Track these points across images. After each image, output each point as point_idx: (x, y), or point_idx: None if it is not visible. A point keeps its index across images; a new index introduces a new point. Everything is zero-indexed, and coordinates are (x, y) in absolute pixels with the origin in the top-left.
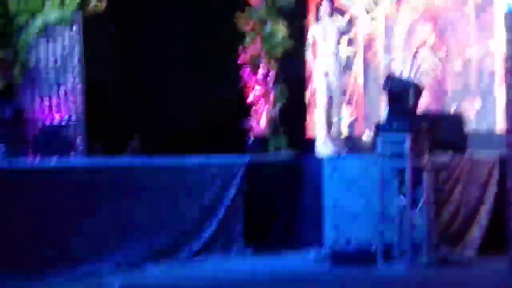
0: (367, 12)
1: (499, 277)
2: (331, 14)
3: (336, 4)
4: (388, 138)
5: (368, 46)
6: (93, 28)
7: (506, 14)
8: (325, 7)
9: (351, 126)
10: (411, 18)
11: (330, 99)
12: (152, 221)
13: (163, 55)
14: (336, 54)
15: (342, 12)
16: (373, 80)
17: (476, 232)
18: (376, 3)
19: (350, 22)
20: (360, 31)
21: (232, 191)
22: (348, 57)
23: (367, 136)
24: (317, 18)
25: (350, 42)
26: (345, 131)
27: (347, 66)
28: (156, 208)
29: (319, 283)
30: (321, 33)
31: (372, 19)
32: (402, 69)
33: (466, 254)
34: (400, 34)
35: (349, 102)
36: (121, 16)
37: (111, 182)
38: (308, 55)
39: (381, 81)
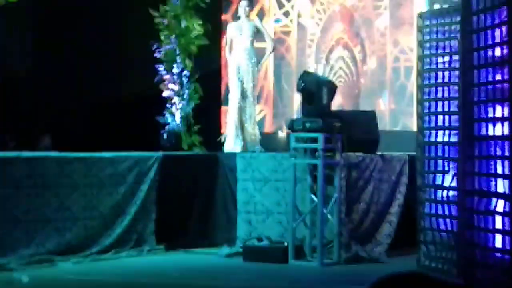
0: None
1: None
2: (247, 15)
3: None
4: (301, 136)
5: (280, 42)
6: (6, 19)
7: (418, 15)
8: (243, 7)
9: (261, 123)
10: (326, 15)
11: (242, 96)
12: (63, 215)
13: (78, 48)
14: (249, 51)
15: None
16: (286, 76)
17: (386, 230)
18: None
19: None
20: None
21: (146, 186)
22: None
23: (280, 133)
24: (234, 16)
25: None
26: (256, 128)
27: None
28: (68, 202)
29: (230, 278)
30: (237, 30)
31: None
32: (316, 67)
33: (377, 251)
34: (314, 32)
35: (260, 99)
36: (37, 8)
37: (21, 175)
38: (225, 52)
39: (294, 77)
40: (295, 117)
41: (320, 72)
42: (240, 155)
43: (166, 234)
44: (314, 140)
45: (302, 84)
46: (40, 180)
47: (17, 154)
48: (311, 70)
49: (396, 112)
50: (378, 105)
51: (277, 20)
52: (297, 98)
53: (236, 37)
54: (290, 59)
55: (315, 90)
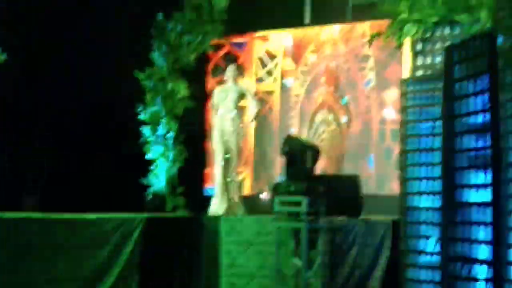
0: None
1: None
2: (233, 79)
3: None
4: (285, 200)
5: (263, 103)
6: None
7: (401, 81)
8: (231, 71)
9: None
10: (310, 77)
11: (226, 159)
12: (45, 279)
13: (62, 107)
14: (234, 115)
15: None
16: (268, 138)
17: None
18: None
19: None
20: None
21: (129, 248)
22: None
23: (262, 196)
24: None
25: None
26: (238, 191)
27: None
28: (51, 264)
29: None
30: (222, 95)
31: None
32: (299, 129)
33: None
34: (298, 94)
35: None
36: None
37: (2, 237)
38: (210, 116)
39: (276, 139)
40: (277, 180)
41: (303, 134)
42: (225, 218)
43: None
44: (298, 204)
45: (286, 148)
46: (22, 241)
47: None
48: (295, 132)
49: (382, 175)
50: (363, 169)
51: (259, 80)
52: (279, 161)
53: (222, 101)
54: (272, 120)
55: (299, 154)
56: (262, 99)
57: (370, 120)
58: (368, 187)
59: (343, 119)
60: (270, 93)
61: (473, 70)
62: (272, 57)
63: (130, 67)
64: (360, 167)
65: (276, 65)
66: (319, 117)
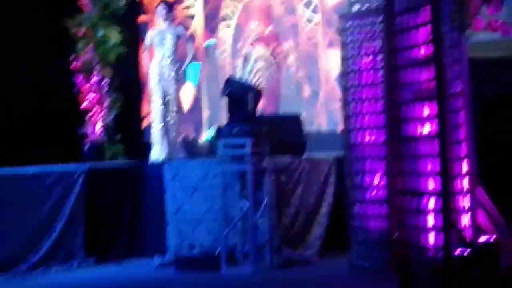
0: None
1: (339, 275)
2: (166, 19)
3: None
4: (229, 142)
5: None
6: None
7: (339, 16)
8: (159, 12)
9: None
10: (245, 15)
11: (165, 103)
12: None
13: None
14: (172, 59)
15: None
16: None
17: (316, 233)
18: None
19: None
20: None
21: (72, 200)
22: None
23: (204, 138)
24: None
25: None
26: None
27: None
28: None
29: None
30: (157, 38)
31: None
32: (234, 64)
33: (308, 254)
34: (231, 29)
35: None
36: None
37: None
38: (144, 60)
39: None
40: (210, 122)
41: (241, 74)
42: (168, 163)
43: (96, 248)
44: (242, 146)
45: (227, 91)
46: None
47: None
48: (236, 75)
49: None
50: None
51: None
52: (211, 104)
53: (158, 44)
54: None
55: (240, 96)
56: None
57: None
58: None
59: (279, 56)
60: (191, 17)
61: (414, 3)
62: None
63: (58, 14)
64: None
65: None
66: (255, 53)
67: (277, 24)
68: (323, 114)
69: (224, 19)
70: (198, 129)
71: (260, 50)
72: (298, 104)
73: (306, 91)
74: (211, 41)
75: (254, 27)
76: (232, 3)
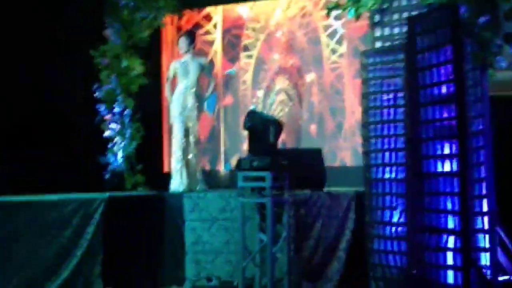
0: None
1: None
2: (186, 51)
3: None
4: (249, 175)
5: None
6: None
7: (361, 53)
8: (180, 44)
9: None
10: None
11: (185, 134)
12: (6, 263)
13: (14, 90)
14: (195, 90)
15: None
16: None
17: (335, 267)
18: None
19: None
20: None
21: (92, 229)
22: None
23: (222, 170)
24: (172, 55)
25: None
26: (199, 167)
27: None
28: (9, 249)
29: None
30: (181, 69)
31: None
32: (257, 100)
33: None
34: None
35: None
36: None
37: None
38: (166, 91)
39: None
40: (232, 154)
41: (263, 107)
42: (187, 195)
43: (114, 277)
44: (262, 179)
45: (249, 124)
46: None
47: None
48: (257, 108)
49: (333, 147)
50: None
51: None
52: (229, 135)
53: (181, 76)
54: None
55: (261, 129)
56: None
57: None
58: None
59: (301, 89)
60: (211, 43)
61: (436, 41)
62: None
63: (83, 44)
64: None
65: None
66: (277, 85)
67: (300, 56)
68: (347, 148)
69: (245, 49)
70: (216, 160)
71: (281, 83)
72: (321, 138)
73: (329, 124)
74: (232, 71)
75: (276, 59)
76: (254, 33)
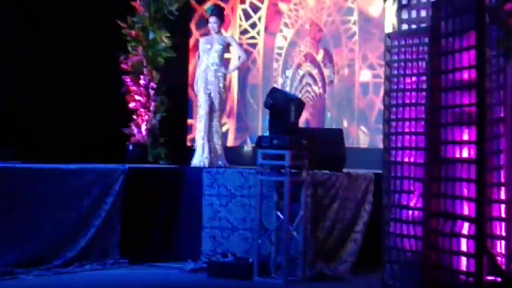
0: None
1: None
2: (218, 31)
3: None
4: (268, 153)
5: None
6: None
7: (386, 35)
8: (212, 23)
9: (224, 136)
10: (294, 29)
11: (210, 110)
12: (26, 227)
13: (43, 58)
14: (218, 66)
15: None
16: (251, 89)
17: (350, 249)
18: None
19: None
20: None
21: (111, 199)
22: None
23: (246, 147)
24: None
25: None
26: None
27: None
28: (31, 214)
29: None
30: (206, 44)
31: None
32: (282, 81)
33: (341, 269)
34: (281, 45)
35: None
36: None
37: None
38: (193, 65)
39: (260, 91)
40: (260, 131)
41: (286, 87)
42: (206, 170)
43: (131, 248)
44: (281, 157)
45: (270, 101)
46: (2, 190)
47: None
48: (278, 85)
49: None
50: (343, 123)
51: (243, 32)
52: (262, 113)
53: (206, 52)
54: (256, 72)
55: (283, 107)
56: (247, 50)
57: (353, 73)
58: (350, 140)
59: (326, 71)
60: (253, 45)
61: (460, 26)
62: (256, 9)
63: (112, 15)
64: (341, 120)
65: (260, 17)
66: (302, 70)
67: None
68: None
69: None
70: (241, 137)
71: (308, 67)
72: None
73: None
74: None
75: (304, 43)
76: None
